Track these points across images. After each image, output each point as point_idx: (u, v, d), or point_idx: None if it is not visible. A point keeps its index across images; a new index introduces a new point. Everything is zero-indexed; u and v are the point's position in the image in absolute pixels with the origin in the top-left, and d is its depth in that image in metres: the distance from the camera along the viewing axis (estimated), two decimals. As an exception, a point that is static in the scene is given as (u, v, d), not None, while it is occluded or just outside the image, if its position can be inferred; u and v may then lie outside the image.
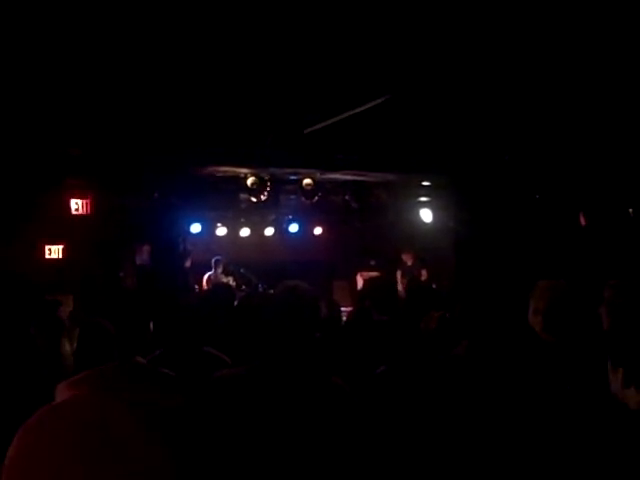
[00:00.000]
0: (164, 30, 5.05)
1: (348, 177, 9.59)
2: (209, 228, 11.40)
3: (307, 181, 9.37)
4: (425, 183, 10.33)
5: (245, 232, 12.04)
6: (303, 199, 9.74)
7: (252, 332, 3.59)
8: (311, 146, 8.05)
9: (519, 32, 5.21)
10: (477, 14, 4.93)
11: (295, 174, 9.30)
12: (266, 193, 9.18)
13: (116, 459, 0.84)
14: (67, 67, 5.60)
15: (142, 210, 8.70)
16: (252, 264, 11.55)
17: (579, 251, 8.58)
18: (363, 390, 2.54)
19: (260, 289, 10.33)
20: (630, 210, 8.78)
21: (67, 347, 3.26)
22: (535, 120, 7.34)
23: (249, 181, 8.96)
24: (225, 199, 9.87)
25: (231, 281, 10.49)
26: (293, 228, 12.07)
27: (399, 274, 10.89)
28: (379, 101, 6.57)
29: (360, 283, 11.07)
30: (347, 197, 10.34)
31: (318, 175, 9.31)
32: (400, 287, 9.88)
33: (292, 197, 10.15)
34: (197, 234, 10.92)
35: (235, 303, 5.12)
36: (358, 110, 6.82)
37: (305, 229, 12.29)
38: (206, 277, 10.79)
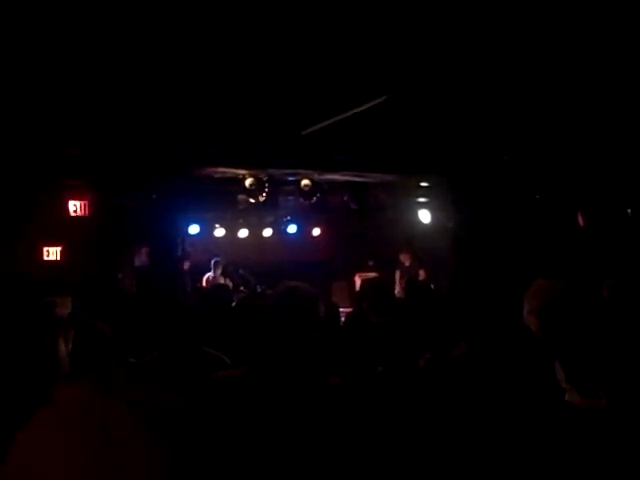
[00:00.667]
0: (163, 31, 5.05)
1: (346, 178, 9.58)
2: (207, 229, 11.39)
3: (305, 182, 9.37)
4: (423, 184, 10.34)
5: (243, 233, 12.04)
6: (301, 200, 9.73)
7: (252, 332, 3.59)
8: (309, 147, 8.06)
9: (517, 33, 5.22)
10: (474, 15, 4.93)
11: (293, 175, 9.30)
12: (264, 194, 9.17)
13: (116, 459, 0.84)
14: (66, 68, 5.60)
15: (140, 211, 8.69)
16: (250, 265, 11.54)
17: (577, 251, 8.59)
18: (362, 390, 2.53)
19: (258, 290, 10.33)
20: (629, 210, 8.79)
21: (62, 348, 3.27)
22: (533, 121, 7.35)
23: (247, 182, 8.96)
24: (223, 200, 9.86)
25: (229, 282, 10.48)
26: (291, 229, 12.07)
27: (398, 274, 10.89)
28: (377, 102, 6.57)
29: (358, 284, 11.07)
30: (345, 198, 10.34)
31: (316, 176, 9.30)
32: (398, 287, 9.89)
33: (290, 198, 10.14)
34: (195, 235, 10.92)
35: (233, 304, 5.13)
36: (356, 111, 6.82)
37: (303, 230, 12.28)
38: (205, 278, 10.79)
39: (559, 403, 1.87)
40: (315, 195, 9.60)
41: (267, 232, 12.19)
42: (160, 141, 7.45)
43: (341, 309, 6.25)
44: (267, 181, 9.12)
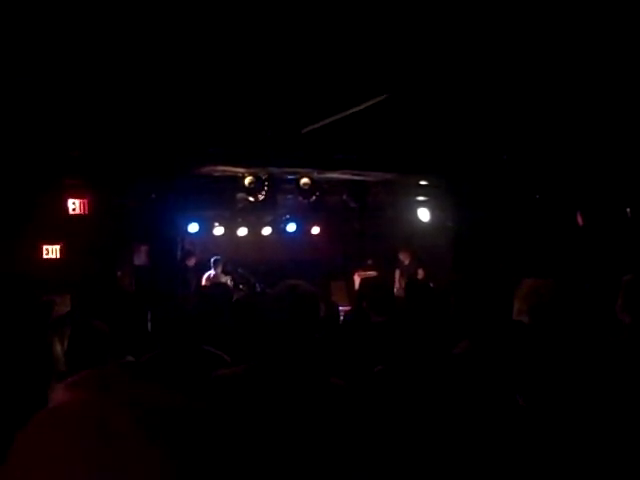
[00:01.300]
0: (162, 31, 5.05)
1: (346, 176, 9.59)
2: (206, 228, 11.39)
3: (305, 180, 9.37)
4: (423, 182, 10.34)
5: (242, 232, 12.03)
6: (301, 198, 9.73)
7: (252, 331, 3.59)
8: (309, 145, 8.05)
9: (516, 33, 5.22)
10: (473, 15, 4.93)
11: (293, 173, 9.30)
12: (264, 192, 9.17)
13: (116, 460, 0.84)
14: (65, 69, 5.60)
15: (140, 210, 8.69)
16: (249, 264, 11.55)
17: (576, 251, 8.60)
18: (361, 389, 2.54)
19: (258, 288, 10.33)
20: (628, 210, 8.79)
21: (58, 346, 3.28)
22: (533, 120, 7.35)
23: (247, 181, 8.96)
24: (222, 199, 9.86)
25: (229, 281, 10.49)
26: (290, 228, 12.06)
27: (397, 273, 10.90)
28: (377, 101, 6.57)
29: (357, 282, 11.07)
30: (345, 197, 10.34)
31: (316, 174, 9.30)
32: (398, 286, 9.90)
33: (289, 197, 10.14)
34: (194, 234, 10.92)
35: (233, 302, 5.12)
36: (356, 110, 6.82)
37: (302, 229, 12.28)
38: (205, 276, 10.80)
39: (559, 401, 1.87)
40: (314, 194, 9.60)
41: (266, 231, 12.18)
42: (159, 140, 7.45)
43: (340, 308, 6.26)
44: (266, 180, 9.12)
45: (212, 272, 10.74)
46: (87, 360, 2.95)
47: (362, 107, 6.74)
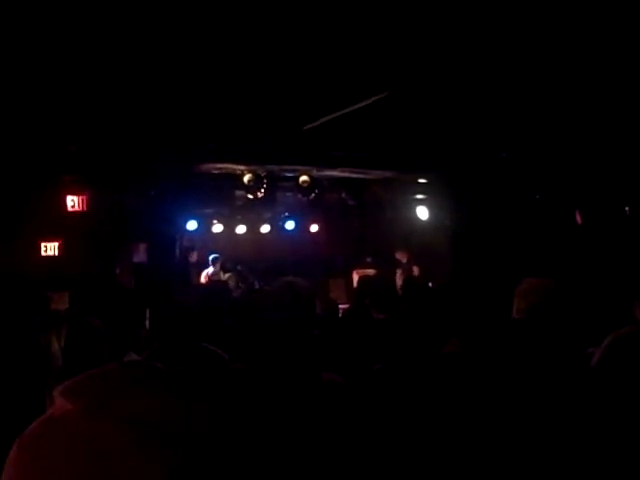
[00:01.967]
0: (161, 28, 5.04)
1: (345, 174, 9.59)
2: (205, 225, 11.39)
3: (304, 178, 9.37)
4: (421, 180, 10.34)
5: (241, 229, 12.03)
6: (300, 196, 9.73)
7: (249, 328, 3.59)
8: (308, 143, 8.05)
9: (516, 30, 5.22)
10: (473, 12, 4.93)
11: (292, 171, 9.30)
12: (263, 190, 9.17)
13: (106, 476, 0.84)
14: (64, 64, 5.59)
15: (138, 207, 8.69)
16: (248, 261, 11.54)
17: (575, 249, 8.60)
18: (360, 387, 2.54)
19: (256, 286, 10.33)
20: (626, 208, 8.79)
21: (55, 343, 3.28)
22: (532, 118, 7.35)
23: (246, 178, 8.95)
24: (221, 196, 9.86)
25: (228, 278, 10.49)
26: (289, 225, 12.05)
27: (399, 272, 10.88)
28: (376, 98, 6.57)
29: (356, 280, 11.07)
30: (344, 194, 10.34)
31: (315, 172, 9.30)
32: (399, 284, 9.89)
33: (288, 194, 10.14)
34: (193, 231, 10.92)
35: (231, 300, 5.11)
36: (355, 107, 6.82)
37: (301, 226, 12.27)
38: (204, 274, 10.80)
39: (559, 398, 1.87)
40: (313, 191, 9.60)
41: (265, 228, 12.17)
42: (158, 137, 7.44)
43: (339, 305, 6.25)
44: (265, 177, 9.12)
45: (210, 270, 10.74)
46: (83, 357, 2.95)
47: (361, 105, 6.73)
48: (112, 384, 0.89)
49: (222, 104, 6.74)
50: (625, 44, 5.39)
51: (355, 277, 11.39)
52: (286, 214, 11.83)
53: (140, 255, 9.25)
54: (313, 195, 9.65)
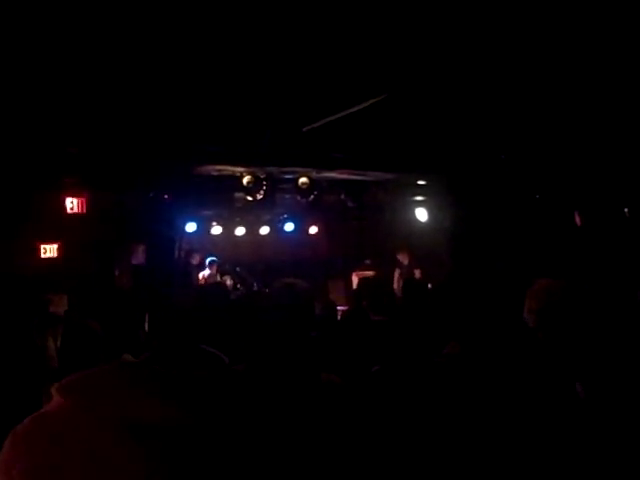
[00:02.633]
0: (161, 29, 5.04)
1: (344, 176, 9.58)
2: (204, 227, 11.39)
3: (303, 180, 9.36)
4: (421, 182, 10.34)
5: (240, 231, 12.02)
6: (299, 198, 9.73)
7: (249, 330, 3.58)
8: (307, 145, 8.05)
9: (515, 31, 5.22)
10: (472, 14, 4.93)
11: (291, 173, 9.29)
12: (262, 192, 9.16)
13: (99, 477, 0.83)
14: (63, 65, 5.59)
15: (137, 209, 8.68)
16: (247, 263, 11.54)
17: (575, 251, 8.60)
18: (358, 389, 2.53)
19: (255, 288, 10.33)
20: (626, 210, 8.80)
21: (52, 344, 3.28)
22: (531, 119, 7.35)
23: (245, 180, 8.95)
24: (221, 198, 9.85)
25: (227, 280, 10.49)
26: (288, 227, 12.05)
27: (397, 273, 10.89)
28: (375, 100, 6.57)
29: (355, 282, 11.07)
30: (343, 196, 10.33)
31: (314, 174, 9.30)
32: (397, 286, 9.89)
33: (288, 196, 10.13)
34: (192, 233, 10.92)
35: (229, 302, 5.10)
36: (355, 109, 6.82)
37: (301, 228, 12.27)
38: (200, 276, 10.80)
39: (559, 400, 1.87)
40: (313, 193, 9.59)
41: (264, 230, 12.17)
42: (157, 138, 7.44)
43: (338, 307, 6.25)
44: (265, 179, 9.12)
45: (207, 272, 10.75)
46: (79, 358, 2.95)
47: (361, 107, 6.74)
48: (104, 383, 0.89)
49: (221, 106, 6.74)
50: (624, 47, 5.40)
51: (354, 279, 11.39)
52: (285, 216, 11.83)
53: (139, 257, 9.25)
54: (312, 197, 9.64)
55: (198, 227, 10.89)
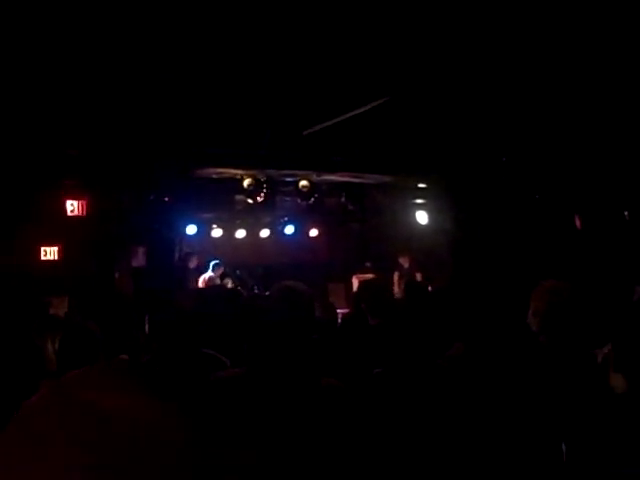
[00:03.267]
0: (162, 32, 5.05)
1: (344, 179, 9.59)
2: (205, 230, 11.37)
3: (303, 183, 9.37)
4: (421, 185, 10.34)
5: (241, 234, 12.01)
6: (299, 201, 9.73)
7: (249, 333, 3.58)
8: (308, 148, 8.06)
9: (515, 35, 5.23)
10: (473, 18, 4.94)
11: (292, 176, 9.30)
12: (262, 194, 9.17)
13: (38, 453, 0.87)
14: (64, 68, 5.59)
15: (138, 211, 8.69)
16: (248, 266, 11.53)
17: (575, 253, 8.60)
18: (359, 392, 2.53)
19: (255, 291, 10.32)
20: (626, 213, 8.79)
21: (50, 347, 3.28)
22: (532, 122, 7.36)
23: (245, 182, 8.95)
24: (221, 201, 9.85)
25: (228, 283, 10.47)
26: (289, 230, 12.04)
27: (396, 276, 10.88)
28: (376, 104, 6.57)
29: (356, 285, 11.05)
30: (343, 199, 10.33)
31: (314, 177, 9.30)
32: (396, 289, 9.88)
33: (288, 199, 10.13)
34: (193, 236, 10.90)
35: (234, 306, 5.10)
36: (355, 112, 6.83)
37: (301, 231, 12.25)
38: (201, 279, 10.78)
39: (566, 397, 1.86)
40: (313, 196, 9.60)
41: (264, 233, 12.15)
42: (158, 141, 7.45)
43: (338, 310, 6.25)
44: (265, 182, 9.12)
45: (209, 275, 10.72)
46: (77, 360, 2.95)
47: (361, 110, 6.74)
48: (84, 375, 0.91)
49: (222, 109, 6.74)
50: (624, 50, 5.40)
51: (355, 282, 11.37)
52: (286, 219, 11.82)
53: (139, 259, 9.24)
54: (313, 200, 9.65)
55: (198, 230, 10.87)
